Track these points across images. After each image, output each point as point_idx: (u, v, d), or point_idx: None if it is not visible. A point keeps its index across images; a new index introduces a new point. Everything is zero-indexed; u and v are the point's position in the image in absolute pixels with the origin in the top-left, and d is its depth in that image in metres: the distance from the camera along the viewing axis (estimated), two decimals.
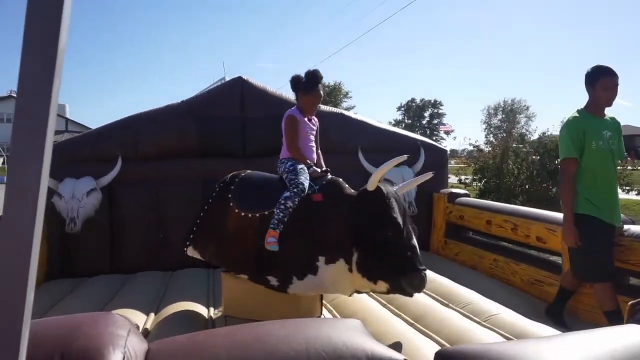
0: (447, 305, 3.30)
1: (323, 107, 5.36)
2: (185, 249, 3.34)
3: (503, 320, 2.93)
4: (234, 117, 5.04)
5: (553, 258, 3.99)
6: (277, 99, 5.09)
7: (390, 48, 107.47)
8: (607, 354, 1.07)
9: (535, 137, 13.17)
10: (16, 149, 0.56)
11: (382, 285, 2.60)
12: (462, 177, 12.79)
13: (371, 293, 3.61)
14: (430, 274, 3.94)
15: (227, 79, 6.36)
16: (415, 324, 3.01)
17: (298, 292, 2.84)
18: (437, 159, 5.37)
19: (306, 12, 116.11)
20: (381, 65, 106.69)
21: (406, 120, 57.39)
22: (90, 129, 7.21)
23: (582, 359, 1.03)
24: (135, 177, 4.76)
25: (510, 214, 4.23)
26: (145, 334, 2.94)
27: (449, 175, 6.78)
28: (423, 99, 58.73)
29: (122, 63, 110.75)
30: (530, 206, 4.90)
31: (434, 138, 46.54)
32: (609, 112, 3.24)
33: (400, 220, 2.57)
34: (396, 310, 3.26)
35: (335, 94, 42.07)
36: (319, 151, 3.30)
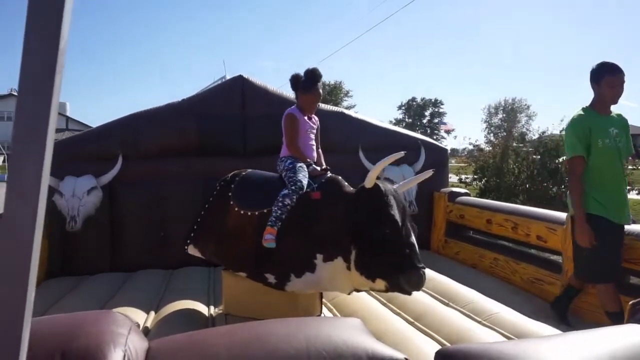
0: (447, 305, 3.31)
1: (323, 106, 5.36)
2: (186, 247, 3.35)
3: (503, 320, 2.93)
4: (235, 116, 5.05)
5: (553, 257, 3.99)
6: (277, 98, 5.09)
7: (391, 47, 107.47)
8: (607, 354, 1.07)
9: (535, 136, 13.17)
10: (17, 147, 0.56)
11: (381, 283, 2.58)
12: (463, 176, 12.80)
13: (371, 292, 3.62)
14: (430, 273, 3.95)
15: (228, 77, 6.36)
16: (416, 322, 3.01)
17: (296, 289, 2.84)
18: (438, 158, 5.37)
19: (307, 10, 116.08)
20: (382, 64, 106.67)
21: (407, 119, 57.34)
22: (90, 127, 7.21)
23: (582, 359, 1.03)
24: (136, 175, 4.77)
25: (510, 213, 4.23)
26: (146, 332, 2.94)
27: (450, 175, 6.78)
28: (424, 98, 58.70)
29: (122, 62, 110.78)
30: (530, 205, 4.91)
31: (435, 137, 46.50)
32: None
33: (398, 217, 2.55)
34: (396, 309, 3.27)
35: (335, 93, 42.02)
36: (319, 150, 3.30)
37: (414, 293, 3.47)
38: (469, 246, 4.76)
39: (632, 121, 3.30)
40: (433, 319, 3.00)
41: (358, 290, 2.85)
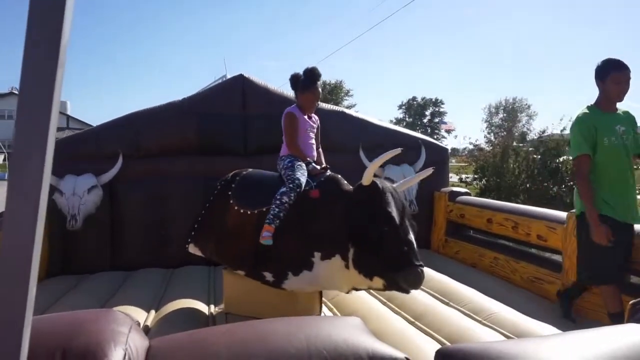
0: (447, 304, 3.31)
1: (324, 106, 5.36)
2: (186, 246, 3.36)
3: (503, 319, 2.94)
4: (235, 115, 5.05)
5: (554, 256, 3.99)
6: (278, 97, 5.09)
7: (391, 46, 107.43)
8: (607, 353, 1.06)
9: (536, 136, 13.16)
10: (18, 145, 0.56)
11: (378, 282, 2.57)
12: (463, 176, 12.80)
13: (372, 291, 3.62)
14: (430, 273, 3.96)
15: (229, 76, 6.36)
16: (416, 322, 3.01)
17: (293, 287, 2.84)
18: (438, 158, 5.37)
19: (308, 10, 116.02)
20: (382, 63, 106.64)
21: (407, 119, 57.28)
22: (91, 126, 7.21)
23: (582, 358, 1.03)
24: (136, 174, 4.77)
25: (511, 212, 4.23)
26: (146, 331, 2.94)
27: (450, 174, 6.78)
28: (424, 98, 58.62)
29: (123, 60, 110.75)
30: (530, 205, 4.90)
31: (435, 137, 46.47)
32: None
33: (395, 215, 2.53)
34: (397, 309, 3.27)
35: (336, 92, 41.99)
36: (320, 149, 3.30)
37: (414, 292, 3.47)
38: (469, 245, 4.76)
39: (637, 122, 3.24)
40: (433, 318, 3.00)
41: (357, 289, 2.84)
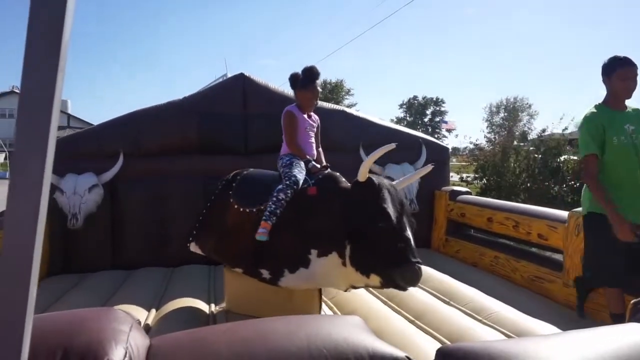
0: (448, 303, 3.31)
1: (325, 105, 5.36)
2: (188, 244, 3.38)
3: (504, 318, 2.94)
4: (236, 114, 5.05)
5: (555, 256, 3.99)
6: (279, 96, 5.09)
7: (392, 45, 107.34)
8: (607, 353, 1.07)
9: (536, 135, 13.15)
10: (20, 144, 0.56)
11: (375, 279, 2.53)
12: (464, 175, 12.80)
13: (372, 290, 3.62)
14: (431, 272, 3.97)
15: (229, 75, 6.36)
16: (416, 321, 3.01)
17: (290, 285, 2.83)
18: (439, 157, 5.36)
19: (308, 9, 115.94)
20: (383, 62, 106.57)
21: (408, 118, 57.26)
22: (92, 125, 7.21)
23: (582, 357, 1.03)
24: (137, 173, 4.77)
25: (511, 211, 4.23)
26: (147, 329, 2.95)
27: (451, 173, 6.78)
28: (425, 97, 58.59)
29: (124, 59, 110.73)
30: (531, 204, 4.90)
31: (436, 136, 46.47)
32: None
33: (392, 211, 2.50)
34: (397, 308, 3.27)
35: (337, 92, 42.01)
36: (320, 148, 3.31)
37: (415, 291, 3.49)
38: (470, 244, 4.76)
39: None
40: (433, 317, 3.00)
41: (355, 287, 2.81)
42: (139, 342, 1.10)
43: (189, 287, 3.81)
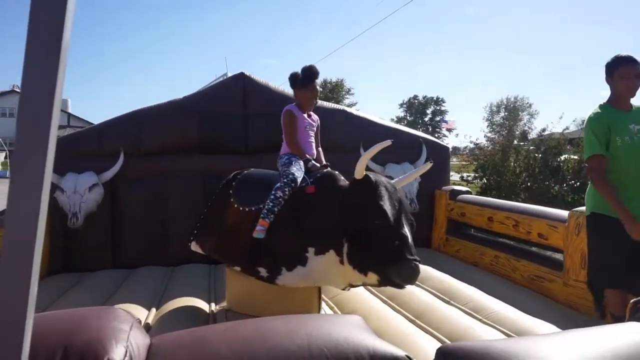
0: (448, 302, 3.31)
1: (325, 104, 5.36)
2: (189, 243, 3.40)
3: (504, 317, 2.94)
4: (236, 113, 5.05)
5: (555, 255, 3.99)
6: (279, 95, 5.09)
7: (392, 45, 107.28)
8: (607, 352, 1.07)
9: (536, 134, 13.16)
10: (20, 143, 0.56)
11: (373, 277, 2.52)
12: (464, 174, 12.80)
13: (373, 290, 3.62)
14: (431, 271, 3.97)
15: (229, 74, 6.35)
16: (417, 320, 3.01)
17: (287, 283, 2.83)
18: (439, 156, 5.36)
19: (309, 8, 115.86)
20: (383, 61, 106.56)
21: (408, 118, 57.25)
22: (92, 124, 7.21)
23: (582, 357, 1.03)
24: (137, 172, 4.77)
25: (511, 210, 4.22)
26: (147, 328, 2.95)
27: (451, 173, 6.78)
28: (425, 96, 58.58)
29: (124, 59, 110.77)
30: (531, 203, 4.90)
31: (436, 135, 46.45)
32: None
33: (388, 208, 2.47)
34: (397, 307, 3.27)
35: (337, 91, 41.99)
36: (319, 147, 3.31)
37: (415, 291, 3.49)
38: (470, 244, 4.76)
39: None
40: (434, 316, 3.00)
41: (353, 286, 2.79)
42: (140, 341, 1.11)
43: (189, 286, 3.81)
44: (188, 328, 1.30)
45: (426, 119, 57.89)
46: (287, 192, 2.78)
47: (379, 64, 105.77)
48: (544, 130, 12.80)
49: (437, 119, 57.15)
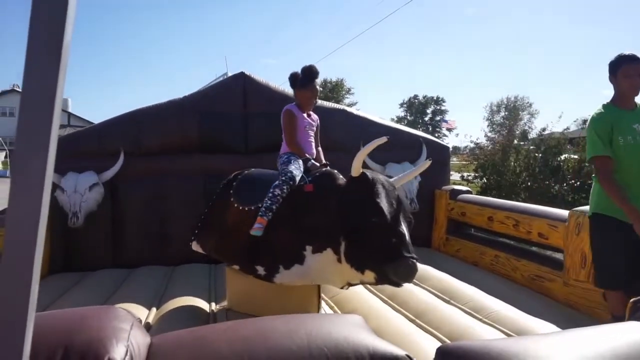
0: (448, 302, 3.31)
1: (325, 104, 5.36)
2: (190, 243, 3.41)
3: (504, 317, 2.94)
4: (236, 113, 5.05)
5: (555, 255, 3.99)
6: (279, 95, 5.09)
7: (393, 44, 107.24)
8: (607, 351, 1.07)
9: (536, 134, 13.16)
10: (21, 143, 0.56)
11: (370, 275, 2.50)
12: (465, 174, 12.79)
13: (373, 289, 3.63)
14: (431, 271, 3.97)
15: (230, 74, 6.36)
16: (417, 320, 3.01)
17: (284, 281, 2.83)
18: (439, 156, 5.35)
19: (309, 7, 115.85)
20: (384, 61, 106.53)
21: (409, 117, 57.26)
22: (92, 123, 7.22)
23: (582, 356, 1.04)
24: (138, 172, 4.78)
25: (512, 210, 4.22)
26: (147, 328, 2.95)
27: (451, 172, 6.78)
28: (426, 96, 58.60)
29: (124, 58, 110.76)
30: (532, 203, 4.90)
31: (437, 135, 46.45)
32: None
33: (385, 205, 2.45)
34: (397, 307, 3.27)
35: (337, 91, 41.99)
36: (319, 147, 3.31)
37: (415, 290, 3.49)
38: (470, 244, 4.76)
39: None
40: (434, 316, 3.00)
41: (351, 284, 2.78)
42: (140, 340, 1.11)
43: (189, 286, 3.81)
44: (188, 327, 1.30)
45: (426, 119, 57.89)
46: (285, 190, 2.78)
47: (379, 64, 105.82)
48: (544, 129, 12.80)
49: (437, 118, 57.16)
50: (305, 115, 3.18)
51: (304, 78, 3.12)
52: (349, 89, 44.53)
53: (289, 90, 5.15)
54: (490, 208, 4.50)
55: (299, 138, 3.11)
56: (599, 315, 3.10)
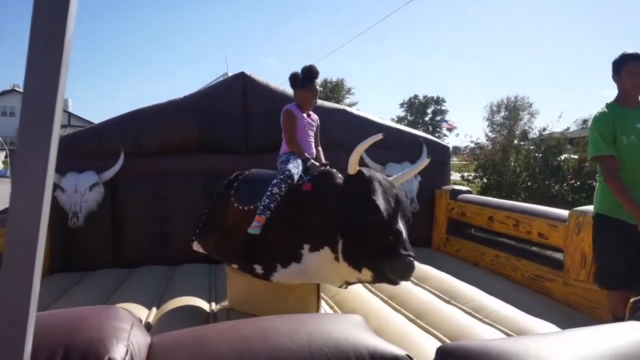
0: (448, 302, 3.32)
1: (325, 104, 5.36)
2: (191, 243, 3.42)
3: (504, 317, 2.94)
4: (236, 113, 5.05)
5: (555, 255, 3.99)
6: (279, 95, 5.09)
7: (393, 44, 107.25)
8: (607, 351, 1.07)
9: (537, 134, 13.16)
10: (23, 143, 0.56)
11: (367, 273, 2.48)
12: (465, 174, 12.79)
13: (373, 289, 3.63)
14: (431, 271, 3.97)
15: (230, 74, 6.36)
16: (417, 320, 3.02)
17: (282, 280, 2.83)
18: (440, 156, 5.35)
19: (310, 7, 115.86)
20: (384, 61, 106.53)
21: (409, 117, 57.27)
22: (92, 123, 7.23)
23: (582, 356, 1.04)
24: (138, 172, 4.78)
25: (512, 210, 4.22)
26: (147, 328, 2.95)
27: (452, 172, 6.78)
28: (426, 96, 58.60)
29: (125, 58, 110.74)
30: (532, 203, 4.89)
31: (437, 135, 46.44)
32: None
33: (381, 203, 2.44)
34: (397, 307, 3.27)
35: (337, 91, 42.00)
36: (319, 147, 3.32)
37: (415, 290, 3.50)
38: (470, 243, 4.76)
39: None
40: (434, 316, 3.00)
41: (349, 283, 2.76)
42: (140, 340, 1.11)
43: (189, 286, 3.81)
44: (188, 327, 1.30)
45: (426, 119, 57.90)
46: (283, 189, 2.78)
47: (379, 64, 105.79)
48: (544, 129, 12.80)
49: (438, 118, 57.16)
50: (305, 115, 3.19)
51: (304, 78, 3.13)
52: (349, 89, 44.56)
53: (289, 90, 5.15)
54: (491, 208, 4.50)
55: (299, 138, 3.11)
56: (599, 315, 3.10)
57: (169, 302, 3.39)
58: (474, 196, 5.16)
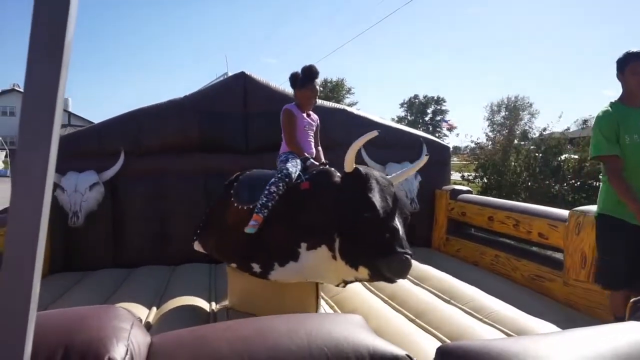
0: (448, 302, 3.32)
1: (326, 104, 5.36)
2: (192, 243, 3.42)
3: (504, 317, 2.94)
4: (237, 113, 5.05)
5: (555, 255, 3.99)
6: (279, 95, 5.09)
7: (393, 44, 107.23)
8: (607, 351, 1.07)
9: (537, 134, 13.16)
10: (23, 142, 0.56)
11: (364, 272, 2.48)
12: (465, 174, 12.79)
13: (373, 289, 3.63)
14: (431, 270, 3.97)
15: (230, 74, 6.36)
16: (417, 320, 3.02)
17: (280, 278, 2.83)
18: (440, 156, 5.35)
19: (310, 7, 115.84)
20: (384, 61, 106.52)
21: (409, 117, 57.27)
22: (93, 123, 7.22)
23: (582, 356, 1.04)
24: (138, 171, 4.78)
25: (512, 210, 4.22)
26: (147, 327, 2.95)
27: (452, 172, 6.78)
28: (426, 96, 58.60)
29: (125, 58, 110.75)
30: (532, 203, 4.89)
31: (437, 135, 46.45)
32: None
33: (378, 200, 2.43)
34: (397, 307, 3.27)
35: (337, 90, 42.00)
36: (319, 147, 3.32)
37: (415, 290, 3.50)
38: (470, 243, 4.76)
39: None
40: (434, 316, 3.00)
41: (347, 282, 2.75)
42: (140, 339, 1.11)
43: (189, 286, 3.82)
44: (188, 327, 1.30)
45: (427, 119, 57.89)
46: (281, 187, 2.78)
47: (379, 64, 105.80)
48: (544, 129, 12.80)
49: (438, 118, 57.15)
50: (304, 115, 3.19)
51: (304, 78, 3.13)
52: (349, 89, 44.56)
53: (289, 90, 5.15)
54: (491, 208, 4.50)
55: (298, 137, 3.12)
56: (599, 315, 3.10)
57: (169, 301, 3.39)
58: (474, 196, 5.16)
